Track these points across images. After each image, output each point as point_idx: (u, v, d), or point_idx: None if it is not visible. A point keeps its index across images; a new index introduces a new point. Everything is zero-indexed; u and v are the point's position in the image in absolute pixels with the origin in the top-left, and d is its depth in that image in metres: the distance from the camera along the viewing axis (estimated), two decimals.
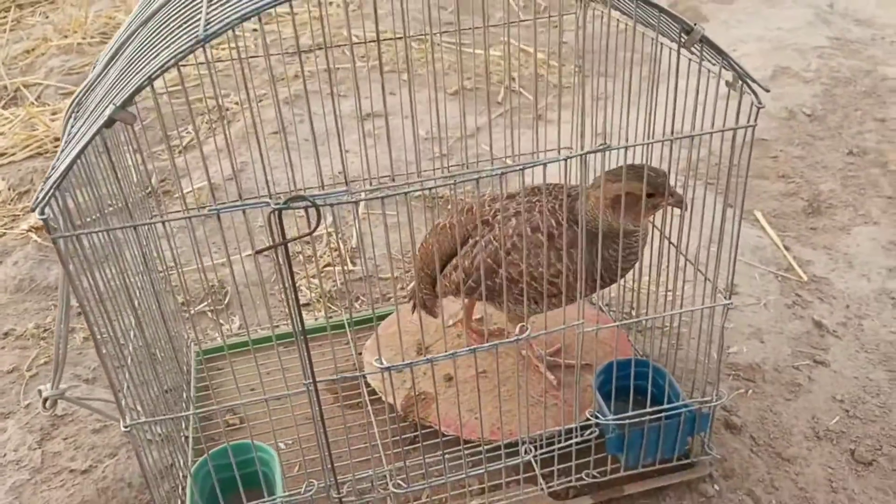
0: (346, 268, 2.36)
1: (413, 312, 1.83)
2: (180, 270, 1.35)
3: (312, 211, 1.11)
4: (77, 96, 1.24)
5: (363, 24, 1.77)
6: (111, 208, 1.38)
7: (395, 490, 1.51)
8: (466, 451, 1.54)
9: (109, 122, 1.02)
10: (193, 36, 1.01)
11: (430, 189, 1.23)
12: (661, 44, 1.37)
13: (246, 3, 1.03)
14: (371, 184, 1.76)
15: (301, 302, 2.19)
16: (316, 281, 2.27)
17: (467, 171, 1.79)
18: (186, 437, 1.68)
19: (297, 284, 1.21)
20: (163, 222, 1.17)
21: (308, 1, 3.49)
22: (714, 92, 1.34)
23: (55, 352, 1.25)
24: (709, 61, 1.32)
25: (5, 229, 2.62)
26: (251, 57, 1.88)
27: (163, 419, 1.44)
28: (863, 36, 3.91)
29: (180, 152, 2.94)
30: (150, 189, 1.71)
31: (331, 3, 4.06)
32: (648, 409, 1.51)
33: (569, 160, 1.27)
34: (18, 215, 2.72)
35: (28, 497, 1.70)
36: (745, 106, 1.31)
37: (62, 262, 1.09)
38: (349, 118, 3.06)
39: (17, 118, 3.25)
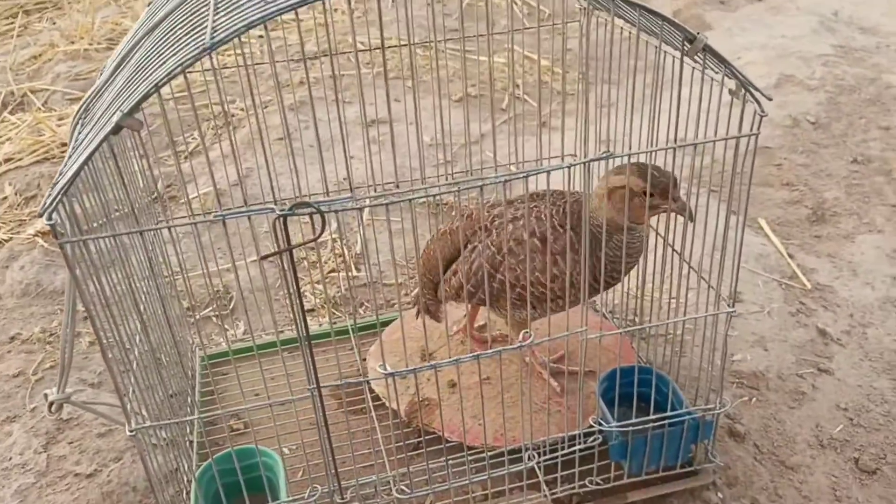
0: (350, 274, 2.37)
1: (417, 317, 1.84)
2: (186, 276, 1.35)
3: (317, 217, 1.12)
4: (84, 103, 1.25)
5: (368, 31, 1.78)
6: (117, 213, 1.39)
7: (398, 496, 1.51)
8: (470, 458, 1.54)
9: (116, 129, 1.03)
10: (200, 44, 1.02)
11: (434, 196, 1.24)
12: (665, 52, 1.38)
13: (252, 11, 1.04)
14: (375, 190, 1.77)
15: (305, 308, 2.19)
16: (320, 287, 2.27)
17: (471, 177, 1.79)
18: (191, 442, 1.69)
19: (301, 290, 1.21)
20: (168, 228, 1.18)
21: (313, 8, 3.51)
22: (717, 100, 1.35)
23: (61, 356, 1.26)
24: (712, 70, 1.33)
25: (12, 234, 2.64)
26: (257, 64, 1.90)
27: (168, 423, 1.44)
28: (867, 44, 3.91)
29: (186, 158, 2.95)
30: (155, 195, 1.72)
31: (336, 10, 4.08)
32: (652, 417, 1.51)
33: (572, 167, 1.28)
34: (25, 220, 2.73)
35: (33, 500, 1.71)
36: (749, 114, 1.32)
37: (69, 267, 1.10)
38: (354, 124, 3.07)
39: (24, 123, 3.27)
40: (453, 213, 2.41)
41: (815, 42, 3.86)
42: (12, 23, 4.38)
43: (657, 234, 1.64)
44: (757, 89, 1.30)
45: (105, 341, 1.18)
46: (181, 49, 1.05)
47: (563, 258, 1.53)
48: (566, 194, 1.61)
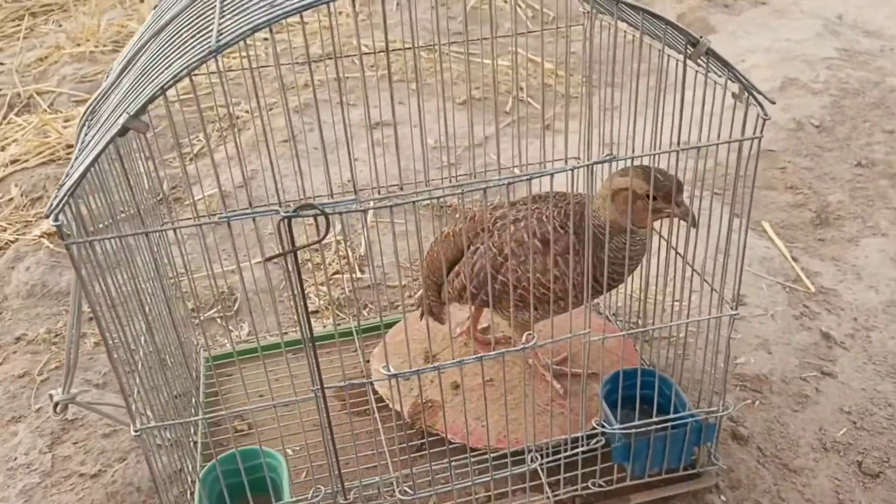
0: (354, 276, 2.38)
1: (421, 319, 1.84)
2: (191, 277, 1.36)
3: (321, 219, 1.12)
4: (91, 104, 1.26)
5: (373, 33, 1.78)
6: (123, 215, 1.40)
7: (401, 497, 1.51)
8: (473, 459, 1.55)
9: (123, 131, 1.04)
10: (206, 46, 1.02)
11: (437, 198, 1.25)
12: (668, 55, 1.38)
13: (257, 14, 1.05)
14: (380, 192, 1.78)
15: (310, 309, 2.20)
16: (324, 288, 2.28)
17: (475, 180, 1.80)
18: (195, 443, 1.70)
19: (305, 292, 1.22)
20: (174, 229, 1.19)
21: (318, 11, 3.52)
22: (721, 103, 1.35)
23: (66, 356, 1.26)
24: (715, 73, 1.33)
25: (18, 235, 2.65)
26: (262, 66, 1.90)
27: (172, 424, 1.45)
28: (871, 47, 3.91)
29: (191, 160, 2.96)
30: (161, 196, 1.72)
31: (341, 13, 4.09)
32: (655, 419, 1.52)
33: (575, 170, 1.28)
34: (31, 221, 2.75)
35: (38, 500, 1.72)
36: (752, 117, 1.32)
37: (75, 268, 1.10)
38: (358, 127, 3.08)
39: (30, 125, 3.29)
40: (457, 216, 2.42)
41: (819, 45, 3.85)
42: (18, 25, 4.40)
43: (660, 236, 1.64)
44: (760, 93, 1.30)
45: (110, 342, 1.18)
46: (187, 52, 1.06)
47: (564, 259, 1.53)
48: (569, 196, 1.61)
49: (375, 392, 1.80)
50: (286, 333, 2.10)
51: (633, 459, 1.55)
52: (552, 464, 1.56)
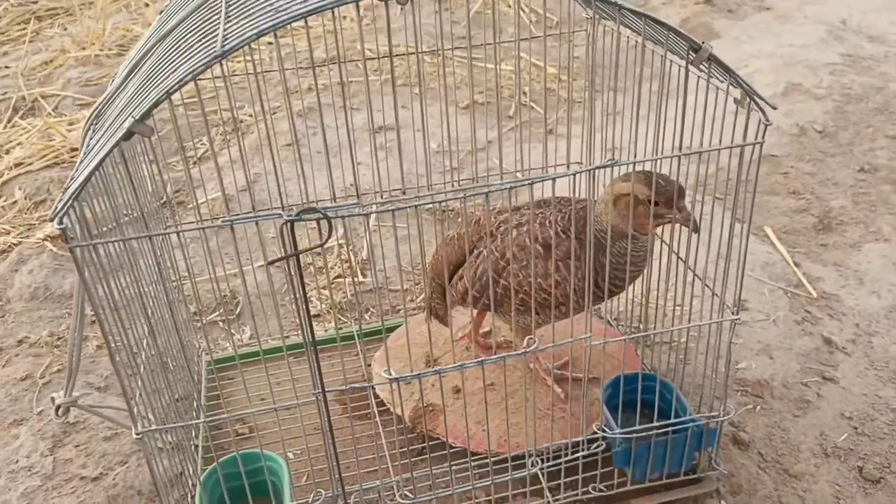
0: (356, 279, 2.38)
1: (427, 320, 1.85)
2: (193, 280, 1.36)
3: (324, 223, 1.13)
4: (96, 108, 1.27)
5: (376, 38, 1.79)
6: (127, 218, 1.40)
7: (402, 501, 1.51)
8: (473, 463, 1.55)
9: (128, 135, 1.05)
10: (211, 51, 1.03)
11: (440, 202, 1.25)
12: (671, 60, 1.39)
13: (263, 18, 1.06)
14: (382, 196, 1.78)
15: (311, 313, 2.21)
16: (326, 292, 2.28)
17: (477, 184, 1.80)
18: (196, 446, 1.70)
19: (307, 295, 1.22)
20: (177, 232, 1.19)
21: (322, 15, 3.53)
22: (723, 108, 1.35)
23: (69, 359, 1.27)
24: (717, 78, 1.33)
25: (21, 238, 2.66)
26: (266, 70, 1.91)
27: (174, 427, 1.45)
28: (875, 52, 3.91)
29: (195, 163, 2.97)
30: (164, 199, 1.73)
31: (345, 18, 4.10)
32: (655, 424, 1.52)
33: (578, 175, 1.29)
34: (34, 224, 2.75)
35: (39, 503, 1.72)
36: (754, 123, 1.32)
37: (78, 271, 1.11)
38: (361, 131, 3.09)
39: (34, 128, 3.30)
40: (459, 220, 2.42)
41: (822, 51, 3.86)
42: (24, 28, 4.42)
43: (662, 241, 1.64)
44: (762, 98, 1.31)
45: (113, 345, 1.19)
46: (192, 56, 1.07)
47: (565, 264, 1.54)
48: (572, 201, 1.62)
49: (376, 396, 1.80)
50: (288, 337, 2.11)
51: (633, 464, 1.55)
52: (553, 468, 1.56)
